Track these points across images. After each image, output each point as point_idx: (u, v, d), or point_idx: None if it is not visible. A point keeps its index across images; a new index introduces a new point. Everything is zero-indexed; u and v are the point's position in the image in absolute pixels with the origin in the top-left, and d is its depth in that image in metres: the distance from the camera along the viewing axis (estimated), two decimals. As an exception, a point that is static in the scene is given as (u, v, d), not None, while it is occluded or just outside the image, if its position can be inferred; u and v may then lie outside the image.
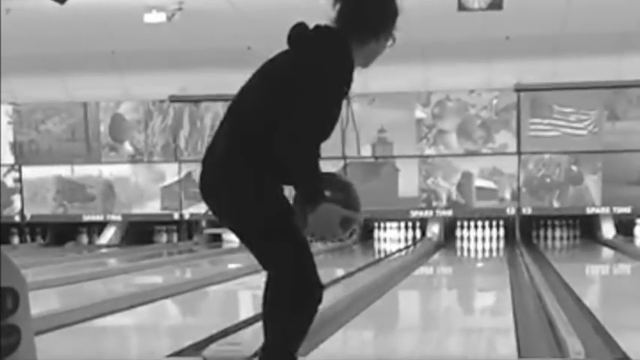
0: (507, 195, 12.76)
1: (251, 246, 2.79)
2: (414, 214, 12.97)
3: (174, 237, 13.85)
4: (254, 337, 4.24)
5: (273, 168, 2.64)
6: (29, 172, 13.75)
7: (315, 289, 2.73)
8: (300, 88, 2.61)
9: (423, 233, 13.10)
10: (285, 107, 2.61)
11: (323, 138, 2.70)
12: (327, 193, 2.51)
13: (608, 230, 12.48)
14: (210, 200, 2.77)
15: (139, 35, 11.49)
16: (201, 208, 11.86)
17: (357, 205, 2.58)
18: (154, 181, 13.50)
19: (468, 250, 12.21)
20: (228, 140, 2.72)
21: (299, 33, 2.74)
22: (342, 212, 2.50)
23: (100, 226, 13.74)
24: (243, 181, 2.68)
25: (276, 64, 2.75)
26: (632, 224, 12.87)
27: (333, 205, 2.49)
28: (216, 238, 13.47)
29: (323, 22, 2.76)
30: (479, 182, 12.82)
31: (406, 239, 13.21)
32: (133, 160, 13.53)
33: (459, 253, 11.84)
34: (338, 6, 2.74)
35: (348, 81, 2.71)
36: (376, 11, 2.75)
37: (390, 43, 2.82)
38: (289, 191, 2.73)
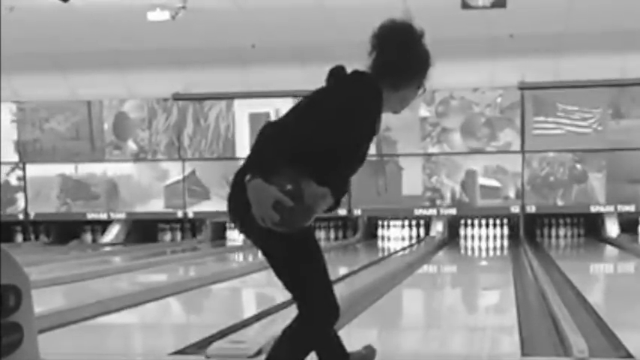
0: (511, 193, 12.74)
1: (276, 269, 2.85)
2: (417, 212, 12.96)
3: (178, 235, 13.86)
4: (258, 335, 4.24)
5: None
6: (33, 171, 13.78)
7: (332, 311, 2.83)
8: (324, 114, 2.72)
9: (427, 231, 13.11)
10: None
11: (348, 171, 2.88)
12: (276, 180, 2.53)
13: (612, 228, 12.47)
14: (236, 223, 2.85)
15: (142, 33, 11.50)
16: (204, 206, 11.75)
17: (297, 197, 2.56)
18: (158, 180, 13.51)
19: (472, 248, 12.20)
20: (249, 167, 2.75)
21: (336, 73, 2.87)
22: (274, 194, 2.50)
23: (103, 225, 13.77)
24: None
25: (307, 100, 2.84)
26: (637, 222, 12.85)
27: (268, 185, 2.51)
28: (220, 236, 13.48)
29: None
30: (483, 180, 12.81)
31: (410, 237, 13.21)
32: (137, 158, 13.54)
33: (462, 251, 11.83)
34: (374, 55, 2.89)
35: (375, 122, 2.85)
36: (409, 62, 2.92)
37: (421, 91, 3.02)
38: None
